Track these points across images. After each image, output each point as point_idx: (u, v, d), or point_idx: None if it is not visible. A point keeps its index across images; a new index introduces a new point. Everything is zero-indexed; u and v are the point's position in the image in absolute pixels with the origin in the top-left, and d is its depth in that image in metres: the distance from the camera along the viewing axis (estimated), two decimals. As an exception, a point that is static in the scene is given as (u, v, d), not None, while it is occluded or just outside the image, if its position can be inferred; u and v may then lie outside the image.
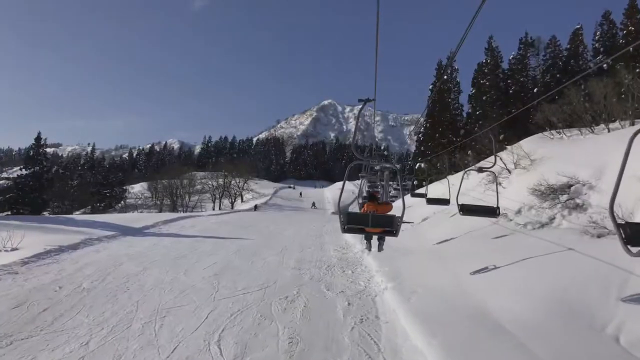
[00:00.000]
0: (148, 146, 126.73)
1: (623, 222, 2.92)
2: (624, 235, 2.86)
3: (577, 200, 9.71)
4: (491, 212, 8.51)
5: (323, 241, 16.02)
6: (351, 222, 5.56)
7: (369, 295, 7.77)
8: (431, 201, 12.35)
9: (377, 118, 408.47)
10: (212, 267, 9.95)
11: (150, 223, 19.61)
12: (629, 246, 2.79)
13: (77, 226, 16.51)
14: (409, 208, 23.32)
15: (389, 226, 5.60)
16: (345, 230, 5.64)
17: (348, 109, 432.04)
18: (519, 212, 10.57)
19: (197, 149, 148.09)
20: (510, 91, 31.27)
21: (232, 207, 49.59)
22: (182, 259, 10.99)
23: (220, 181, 52.41)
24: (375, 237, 7.68)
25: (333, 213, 45.12)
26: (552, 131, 17.35)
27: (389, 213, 6.69)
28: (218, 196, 51.11)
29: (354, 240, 15.14)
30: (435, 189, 15.70)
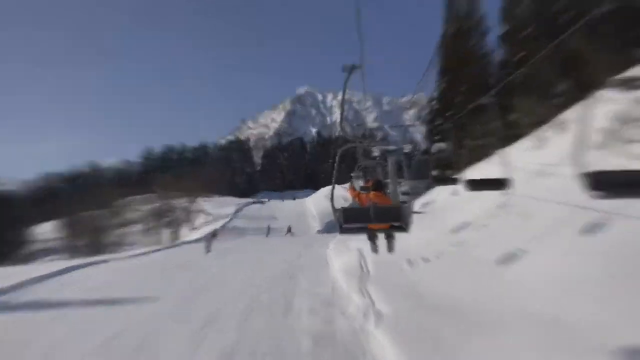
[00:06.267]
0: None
1: None
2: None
3: None
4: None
5: (293, 291, 11.03)
6: (349, 220, 5.34)
7: None
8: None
9: (369, 103, 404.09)
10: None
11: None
12: None
13: None
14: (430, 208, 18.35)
15: (397, 219, 5.31)
16: (342, 231, 5.64)
17: (330, 96, 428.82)
18: None
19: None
20: (567, 17, 25.63)
21: (177, 239, 44.19)
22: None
23: (156, 204, 46.87)
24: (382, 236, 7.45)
25: (319, 232, 40.26)
26: None
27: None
28: (152, 225, 45.61)
29: (349, 286, 10.20)
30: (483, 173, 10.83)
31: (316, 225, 42.92)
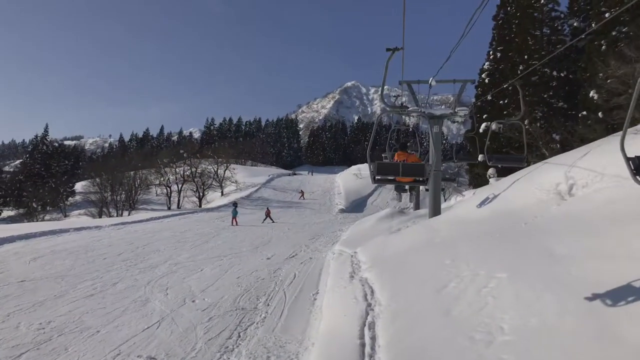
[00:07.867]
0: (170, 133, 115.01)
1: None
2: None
3: None
4: None
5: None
6: (381, 172, 5.53)
7: None
8: None
9: (404, 99, 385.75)
10: None
11: None
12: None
13: None
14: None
15: (420, 175, 5.51)
16: (375, 181, 5.66)
17: (372, 90, 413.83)
18: None
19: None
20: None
21: (200, 204, 36.63)
22: None
23: (180, 169, 39.18)
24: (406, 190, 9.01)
25: (342, 211, 31.40)
26: None
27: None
28: (178, 189, 38.13)
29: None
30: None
31: (340, 203, 34.00)
